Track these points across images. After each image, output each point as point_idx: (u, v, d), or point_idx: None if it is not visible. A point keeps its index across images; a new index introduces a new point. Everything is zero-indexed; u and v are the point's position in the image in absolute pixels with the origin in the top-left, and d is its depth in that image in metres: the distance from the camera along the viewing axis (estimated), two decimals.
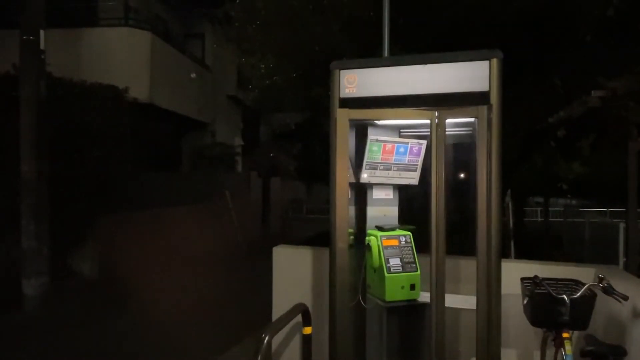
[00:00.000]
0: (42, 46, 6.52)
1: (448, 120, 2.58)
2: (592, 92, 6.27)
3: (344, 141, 2.65)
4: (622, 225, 7.62)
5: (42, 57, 6.56)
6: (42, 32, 6.53)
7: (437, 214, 2.53)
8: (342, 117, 2.65)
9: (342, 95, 2.66)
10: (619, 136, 6.81)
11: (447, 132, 2.59)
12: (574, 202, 19.52)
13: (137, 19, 11.17)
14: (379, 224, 3.18)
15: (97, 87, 8.12)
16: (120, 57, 10.30)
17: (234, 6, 9.07)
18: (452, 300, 2.71)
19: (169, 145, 13.10)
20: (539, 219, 19.16)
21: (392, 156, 3.09)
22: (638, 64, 5.65)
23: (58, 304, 6.49)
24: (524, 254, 7.56)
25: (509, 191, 8.71)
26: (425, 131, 3.04)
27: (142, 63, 10.59)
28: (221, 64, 15.44)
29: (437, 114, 2.54)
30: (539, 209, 20.83)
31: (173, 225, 9.26)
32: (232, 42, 14.79)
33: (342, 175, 2.66)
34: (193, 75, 12.90)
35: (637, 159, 6.64)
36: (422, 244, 3.01)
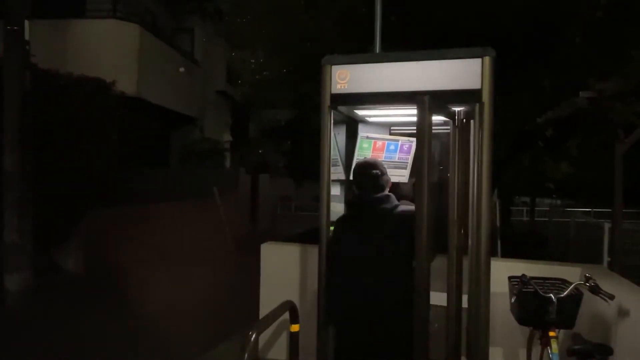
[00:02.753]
0: (26, 37, 6.38)
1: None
2: (581, 93, 6.33)
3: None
4: (607, 225, 7.71)
5: (27, 48, 6.42)
6: (26, 23, 6.38)
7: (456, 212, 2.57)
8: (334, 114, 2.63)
9: (333, 91, 2.63)
10: (606, 137, 6.89)
11: (437, 130, 2.58)
12: (559, 202, 19.79)
13: (126, 11, 10.99)
14: None
15: (84, 80, 7.97)
16: (108, 50, 10.13)
17: (224, 0, 9.00)
18: (440, 298, 2.70)
19: (157, 140, 12.93)
20: (525, 219, 19.35)
21: (383, 154, 3.07)
22: (626, 66, 5.71)
23: (40, 299, 6.38)
24: (510, 253, 7.62)
25: (496, 190, 8.77)
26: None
27: (130, 56, 10.42)
28: (210, 59, 15.28)
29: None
30: (525, 208, 21.04)
31: (159, 221, 9.16)
32: (222, 37, 14.67)
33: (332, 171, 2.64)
34: (182, 70, 12.74)
35: (623, 160, 6.73)
36: None
